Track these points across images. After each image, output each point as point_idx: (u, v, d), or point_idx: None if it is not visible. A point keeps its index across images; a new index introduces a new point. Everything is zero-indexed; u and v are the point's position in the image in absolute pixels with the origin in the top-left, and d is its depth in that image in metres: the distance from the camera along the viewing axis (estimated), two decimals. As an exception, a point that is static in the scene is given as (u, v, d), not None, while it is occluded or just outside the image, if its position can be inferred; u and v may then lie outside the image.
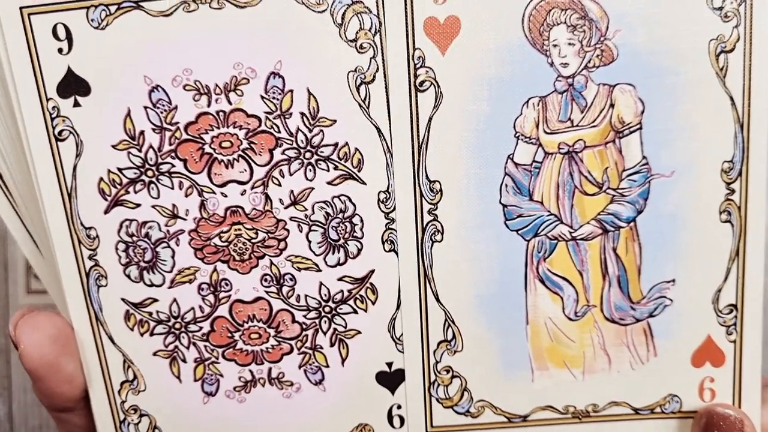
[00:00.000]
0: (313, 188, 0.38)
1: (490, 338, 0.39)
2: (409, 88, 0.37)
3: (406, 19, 0.36)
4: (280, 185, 0.38)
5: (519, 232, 0.38)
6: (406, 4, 0.36)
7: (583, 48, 0.37)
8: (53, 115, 0.37)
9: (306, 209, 0.38)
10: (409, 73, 0.37)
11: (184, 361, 0.40)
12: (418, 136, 0.37)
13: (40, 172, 0.38)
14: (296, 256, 0.38)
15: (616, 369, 0.40)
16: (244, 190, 0.38)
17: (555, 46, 0.37)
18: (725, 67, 0.37)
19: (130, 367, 0.40)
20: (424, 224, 0.38)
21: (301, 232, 0.38)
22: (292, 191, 0.38)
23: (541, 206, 0.38)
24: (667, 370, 0.40)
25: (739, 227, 0.39)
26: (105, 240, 0.38)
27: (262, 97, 0.37)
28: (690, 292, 0.39)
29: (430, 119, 0.37)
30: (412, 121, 0.37)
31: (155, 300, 0.39)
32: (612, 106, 0.37)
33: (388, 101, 0.37)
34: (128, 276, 0.39)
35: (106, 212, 0.38)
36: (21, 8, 0.36)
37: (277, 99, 0.37)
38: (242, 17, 0.36)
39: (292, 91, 0.37)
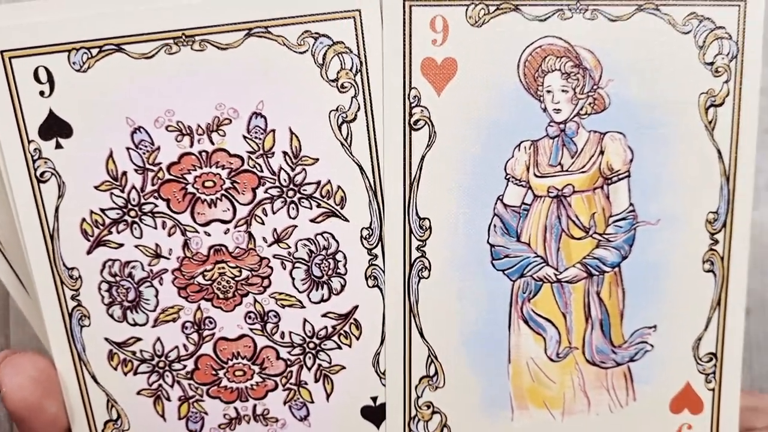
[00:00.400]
0: (296, 226, 0.38)
1: (472, 376, 0.40)
2: (404, 126, 0.38)
3: (404, 58, 0.37)
4: (263, 223, 0.38)
5: (505, 272, 0.39)
6: (404, 44, 0.37)
7: (576, 95, 0.38)
8: (35, 157, 0.37)
9: (289, 247, 0.38)
10: (404, 112, 0.37)
11: (168, 399, 0.40)
12: (410, 173, 0.38)
13: (22, 214, 0.37)
14: (280, 293, 0.39)
15: (595, 411, 0.40)
16: (228, 229, 0.38)
17: (549, 92, 0.38)
18: (714, 120, 0.38)
19: (114, 407, 0.40)
20: (412, 260, 0.38)
21: (284, 269, 0.38)
22: (275, 229, 0.38)
23: (528, 248, 0.39)
24: (646, 415, 0.40)
25: (721, 277, 0.39)
26: (88, 280, 0.38)
27: (245, 137, 0.37)
28: (671, 339, 0.40)
29: (423, 157, 0.38)
30: (404, 158, 0.38)
31: (139, 339, 0.39)
32: (602, 153, 0.38)
33: (374, 139, 0.37)
34: (111, 316, 0.39)
35: (88, 252, 0.38)
36: (2, 51, 0.36)
37: (260, 138, 0.37)
38: (224, 59, 0.37)
39: (274, 130, 0.37)
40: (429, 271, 0.39)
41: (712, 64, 0.38)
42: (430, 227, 0.38)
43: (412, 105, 0.37)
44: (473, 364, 0.39)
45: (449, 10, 0.37)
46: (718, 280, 0.39)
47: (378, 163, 0.38)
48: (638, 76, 0.38)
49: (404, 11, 0.37)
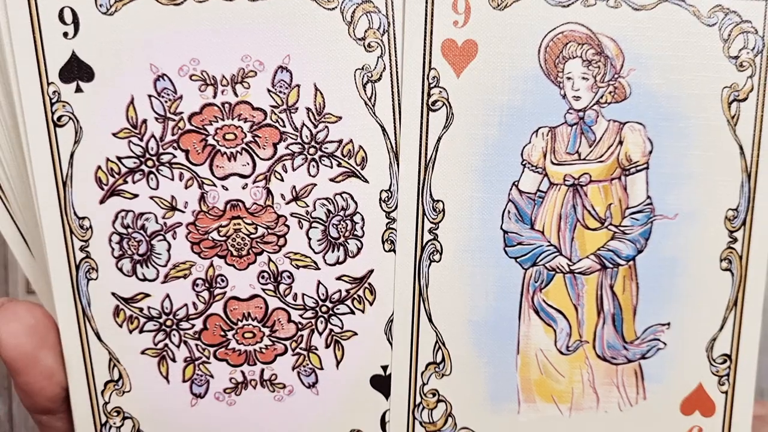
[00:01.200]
0: (315, 185, 0.38)
1: (480, 365, 0.39)
2: (422, 107, 0.37)
3: (425, 39, 0.37)
4: (282, 180, 0.38)
5: (518, 259, 0.38)
6: (426, 25, 0.37)
7: (597, 83, 0.37)
8: (53, 100, 0.37)
9: (307, 206, 0.38)
10: (422, 92, 0.37)
11: (173, 360, 0.39)
12: (426, 154, 0.37)
13: (36, 159, 0.37)
14: (295, 253, 0.38)
15: (603, 408, 0.39)
16: (246, 184, 0.38)
17: (569, 78, 0.37)
18: (737, 115, 0.38)
19: (116, 366, 0.39)
20: (424, 243, 0.38)
21: (301, 228, 0.38)
22: (294, 187, 0.38)
23: (542, 236, 0.38)
24: (656, 415, 0.39)
25: (739, 276, 0.38)
26: (98, 231, 0.38)
27: (269, 91, 0.37)
28: (684, 338, 0.39)
29: (440, 139, 0.37)
30: (421, 139, 0.37)
31: (147, 295, 0.38)
32: (621, 143, 0.38)
33: (399, 101, 0.37)
34: (120, 269, 0.38)
35: (101, 202, 0.38)
36: None
37: (284, 93, 0.37)
38: (253, 10, 0.36)
39: (299, 86, 0.37)
40: (440, 254, 0.38)
41: (736, 58, 0.37)
42: (443, 210, 0.38)
43: (431, 86, 0.37)
44: (481, 353, 0.39)
45: (472, -8, 0.37)
46: (736, 280, 0.38)
47: (401, 126, 0.37)
48: (661, 66, 0.37)
49: (427, -8, 0.37)
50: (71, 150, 0.37)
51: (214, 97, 0.37)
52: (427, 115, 0.37)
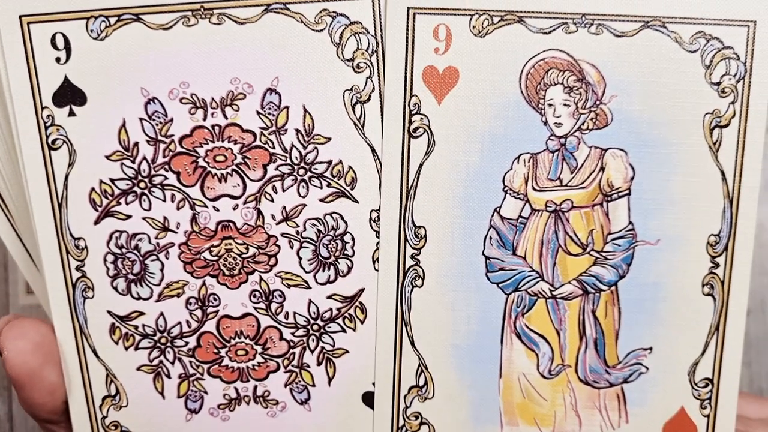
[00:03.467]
0: (305, 205, 0.38)
1: (462, 388, 0.39)
2: (403, 134, 0.37)
3: (406, 66, 0.37)
4: (272, 201, 0.38)
5: (499, 285, 0.38)
6: (407, 52, 0.37)
7: (578, 110, 0.37)
8: (47, 124, 0.37)
9: (298, 226, 0.38)
10: (404, 119, 0.37)
11: (168, 376, 0.40)
12: (408, 180, 0.38)
13: (32, 181, 0.38)
14: (286, 273, 0.39)
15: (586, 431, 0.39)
16: (237, 205, 0.38)
17: (550, 105, 0.37)
18: (719, 141, 0.38)
19: (113, 382, 0.40)
20: (406, 268, 0.38)
21: (292, 248, 0.38)
22: (284, 207, 0.38)
23: (524, 261, 0.38)
24: (638, 439, 0.40)
25: (721, 301, 0.39)
26: (93, 251, 0.39)
27: (258, 113, 0.37)
28: (666, 362, 0.39)
29: (421, 165, 0.38)
30: (402, 165, 0.38)
31: (142, 313, 0.39)
32: (602, 169, 0.38)
33: (382, 121, 0.37)
34: (115, 288, 0.39)
35: (96, 223, 0.38)
36: (21, 17, 0.36)
37: (273, 115, 0.37)
38: (241, 33, 0.37)
39: (288, 107, 0.37)
40: (423, 280, 0.38)
41: (718, 84, 0.37)
42: (425, 235, 0.38)
43: (412, 112, 0.37)
44: (463, 377, 0.39)
45: (453, 19, 0.37)
46: (718, 305, 0.39)
47: (383, 152, 0.38)
48: (642, 93, 0.37)
49: (408, 19, 0.37)
50: (66, 172, 0.38)
51: (204, 119, 0.38)
52: (409, 141, 0.37)
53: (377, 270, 0.39)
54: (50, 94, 0.37)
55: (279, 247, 0.38)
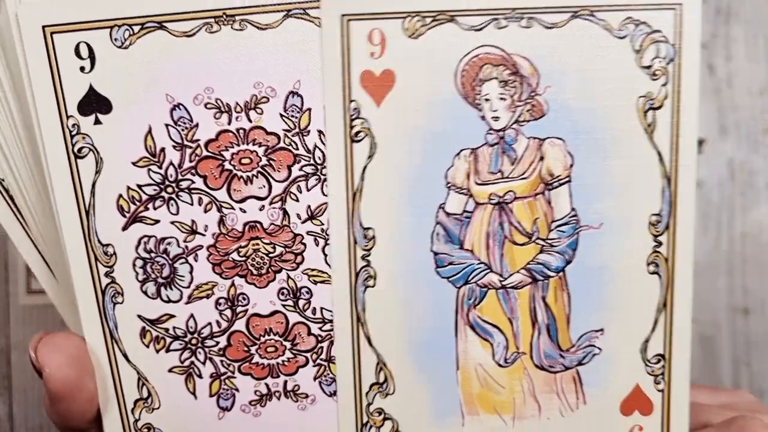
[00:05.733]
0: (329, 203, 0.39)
1: (421, 382, 0.40)
2: (345, 138, 0.38)
3: (343, 72, 0.38)
4: (297, 200, 0.39)
5: (450, 279, 0.39)
6: (343, 58, 0.38)
7: (514, 102, 0.38)
8: (73, 133, 0.38)
9: (322, 224, 0.39)
10: (344, 124, 0.38)
11: (199, 376, 0.40)
12: (353, 184, 0.38)
13: (58, 190, 0.38)
14: (312, 270, 0.39)
15: (546, 416, 0.40)
16: (263, 206, 0.39)
17: (487, 100, 0.38)
18: (653, 123, 0.38)
19: (145, 385, 0.40)
20: (358, 269, 0.39)
21: (317, 246, 0.39)
22: (309, 206, 0.39)
23: (472, 255, 0.39)
24: (597, 418, 0.41)
25: (666, 279, 0.40)
26: (122, 257, 0.39)
27: (281, 115, 0.38)
28: (618, 342, 0.40)
29: (365, 168, 0.38)
30: (347, 170, 0.38)
31: (172, 316, 0.39)
32: (542, 159, 0.39)
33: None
34: (145, 292, 0.39)
35: (124, 229, 0.39)
36: (44, 27, 0.37)
37: (296, 117, 0.38)
38: (263, 38, 0.37)
39: (310, 109, 0.38)
40: (375, 279, 0.39)
41: (649, 67, 0.38)
42: (374, 237, 0.39)
43: (353, 117, 0.38)
44: (422, 371, 0.40)
45: (386, 23, 0.37)
46: (664, 282, 0.40)
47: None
48: (576, 81, 0.38)
49: (342, 26, 0.37)
50: (93, 180, 0.38)
51: (229, 123, 0.38)
52: (351, 146, 0.38)
53: None
54: (75, 103, 0.37)
55: (305, 245, 0.39)
